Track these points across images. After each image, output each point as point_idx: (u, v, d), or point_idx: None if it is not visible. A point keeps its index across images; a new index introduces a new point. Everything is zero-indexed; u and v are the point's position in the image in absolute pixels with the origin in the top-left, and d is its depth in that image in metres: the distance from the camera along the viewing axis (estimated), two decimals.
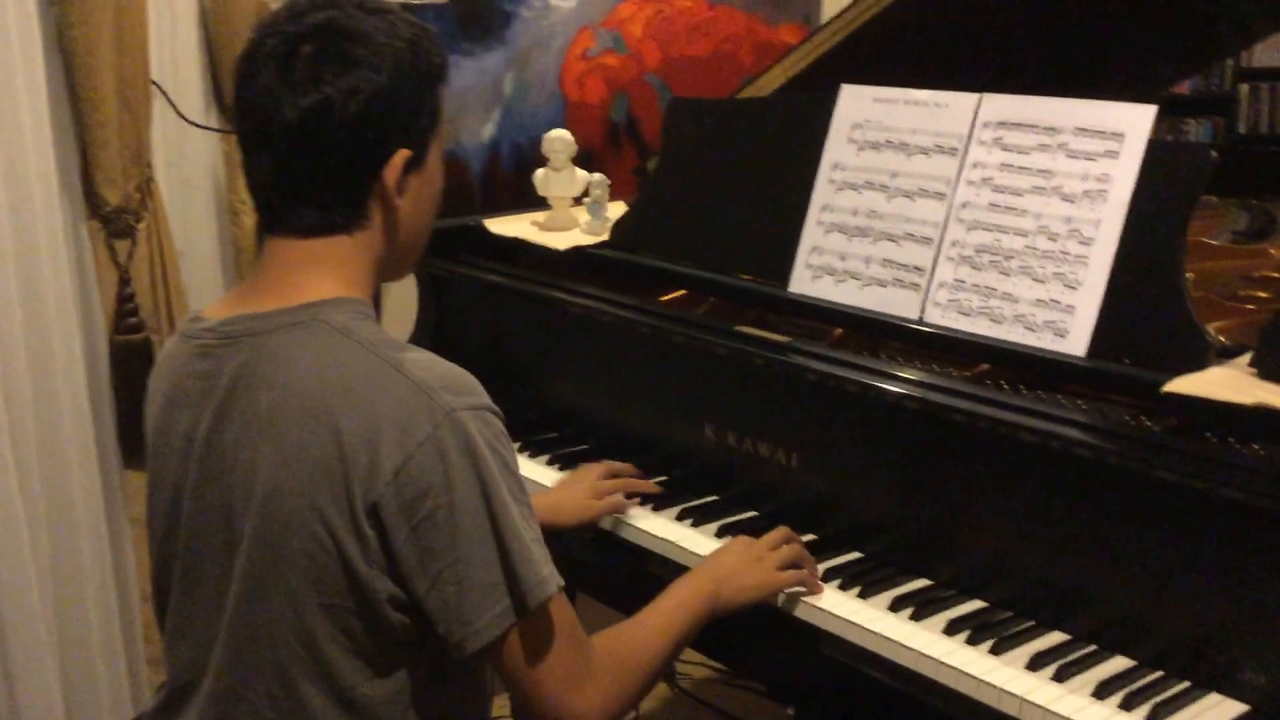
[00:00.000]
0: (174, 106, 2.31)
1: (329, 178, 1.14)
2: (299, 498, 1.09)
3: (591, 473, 1.68)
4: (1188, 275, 1.80)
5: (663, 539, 1.60)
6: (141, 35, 2.10)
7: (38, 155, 2.01)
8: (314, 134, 1.11)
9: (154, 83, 2.21)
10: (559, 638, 1.15)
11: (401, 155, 1.15)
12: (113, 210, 2.11)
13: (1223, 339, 1.51)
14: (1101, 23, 2.27)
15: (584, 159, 3.14)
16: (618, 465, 1.71)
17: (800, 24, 3.40)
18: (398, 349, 1.13)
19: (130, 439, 2.23)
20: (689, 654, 2.59)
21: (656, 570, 1.58)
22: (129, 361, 2.18)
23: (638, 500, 1.66)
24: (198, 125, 2.39)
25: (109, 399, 2.21)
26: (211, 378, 1.16)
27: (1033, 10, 2.16)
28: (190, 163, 2.44)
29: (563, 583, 1.15)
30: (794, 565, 1.45)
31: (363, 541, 1.09)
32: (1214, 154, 1.36)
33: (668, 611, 1.32)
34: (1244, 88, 4.96)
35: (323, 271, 1.16)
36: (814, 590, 1.44)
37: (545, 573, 1.13)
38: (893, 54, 2.06)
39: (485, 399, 1.13)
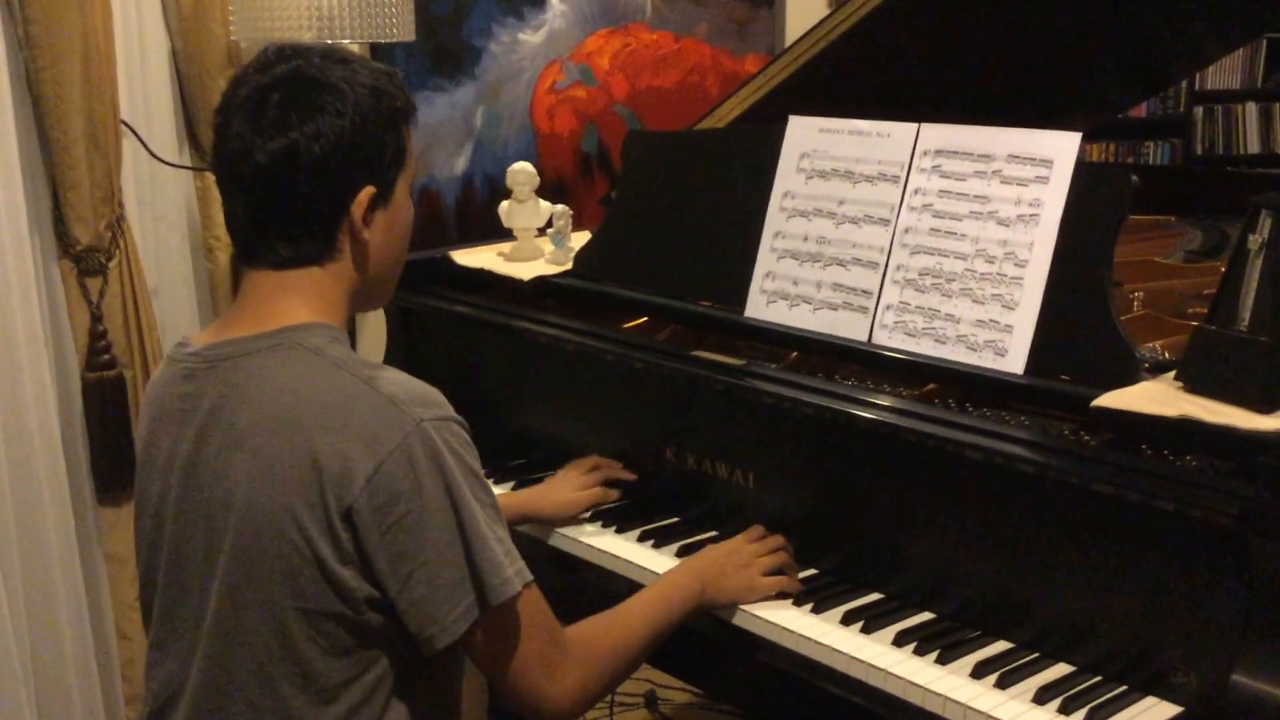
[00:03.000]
0: (145, 146, 2.36)
1: (299, 214, 1.22)
2: (275, 505, 1.16)
3: (575, 469, 1.78)
4: (1138, 293, 1.88)
5: (625, 560, 1.64)
6: (110, 77, 2.15)
7: (7, 196, 2.04)
8: (282, 175, 1.20)
9: (124, 122, 2.25)
10: (529, 630, 1.21)
11: (366, 192, 1.23)
12: (84, 249, 2.16)
13: (1168, 354, 1.57)
14: (1057, 49, 2.34)
15: (556, 189, 3.21)
16: (601, 460, 1.79)
17: (764, 55, 3.47)
18: (368, 367, 1.21)
19: (105, 475, 2.25)
20: (668, 679, 2.62)
21: (622, 592, 1.62)
22: (102, 398, 2.21)
23: (620, 492, 1.75)
24: (169, 163, 2.43)
25: (82, 436, 2.24)
26: (193, 399, 1.23)
27: (993, 38, 2.23)
28: (163, 200, 2.48)
29: (530, 579, 1.21)
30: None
31: (337, 544, 1.15)
32: (1135, 178, 1.41)
33: (651, 601, 1.39)
34: (1198, 110, 5.09)
35: (297, 300, 1.24)
36: (792, 590, 1.50)
37: (509, 573, 1.19)
38: (850, 83, 2.12)
39: (450, 411, 1.21)
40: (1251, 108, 5.16)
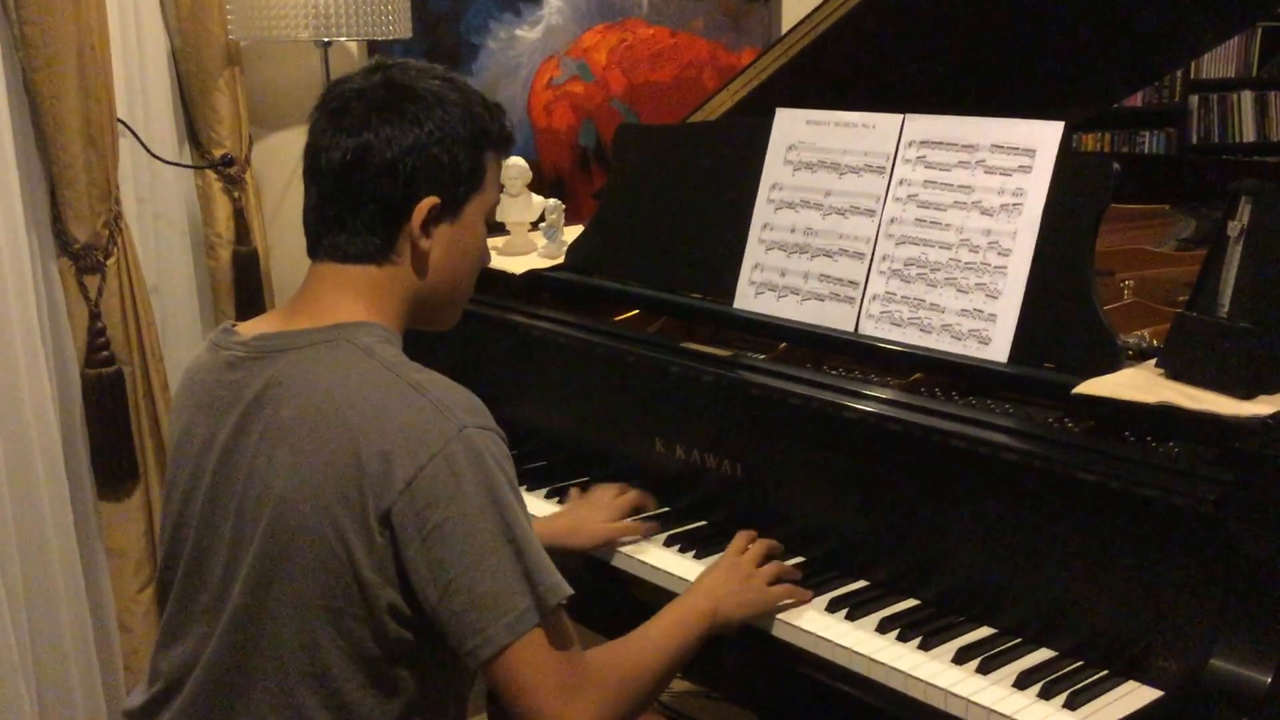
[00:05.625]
0: (143, 145, 2.38)
1: (362, 212, 1.25)
2: (313, 503, 1.16)
3: (606, 493, 1.70)
4: (1129, 281, 1.88)
5: (615, 550, 1.65)
6: (105, 77, 2.16)
7: (4, 195, 2.06)
8: (352, 172, 1.24)
9: (122, 121, 2.27)
10: (561, 648, 1.18)
11: (428, 202, 1.26)
12: (82, 247, 2.17)
13: (1156, 342, 1.57)
14: (1051, 39, 2.34)
15: (554, 184, 3.22)
16: (627, 487, 1.72)
17: (760, 49, 3.47)
18: (416, 371, 1.22)
19: (105, 470, 2.27)
20: None
21: (609, 582, 1.64)
22: (101, 394, 2.23)
23: (656, 525, 1.67)
24: (166, 161, 2.45)
25: (82, 432, 2.26)
26: (239, 388, 1.24)
27: (986, 29, 2.23)
28: (164, 198, 2.50)
29: (571, 591, 1.19)
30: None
31: (372, 548, 1.15)
32: (1116, 165, 1.42)
33: (667, 629, 1.34)
34: (1194, 99, 5.09)
35: (354, 296, 1.26)
36: (803, 600, 1.46)
37: (559, 577, 1.18)
38: (842, 74, 2.13)
39: (493, 422, 1.21)
40: (1247, 96, 5.16)
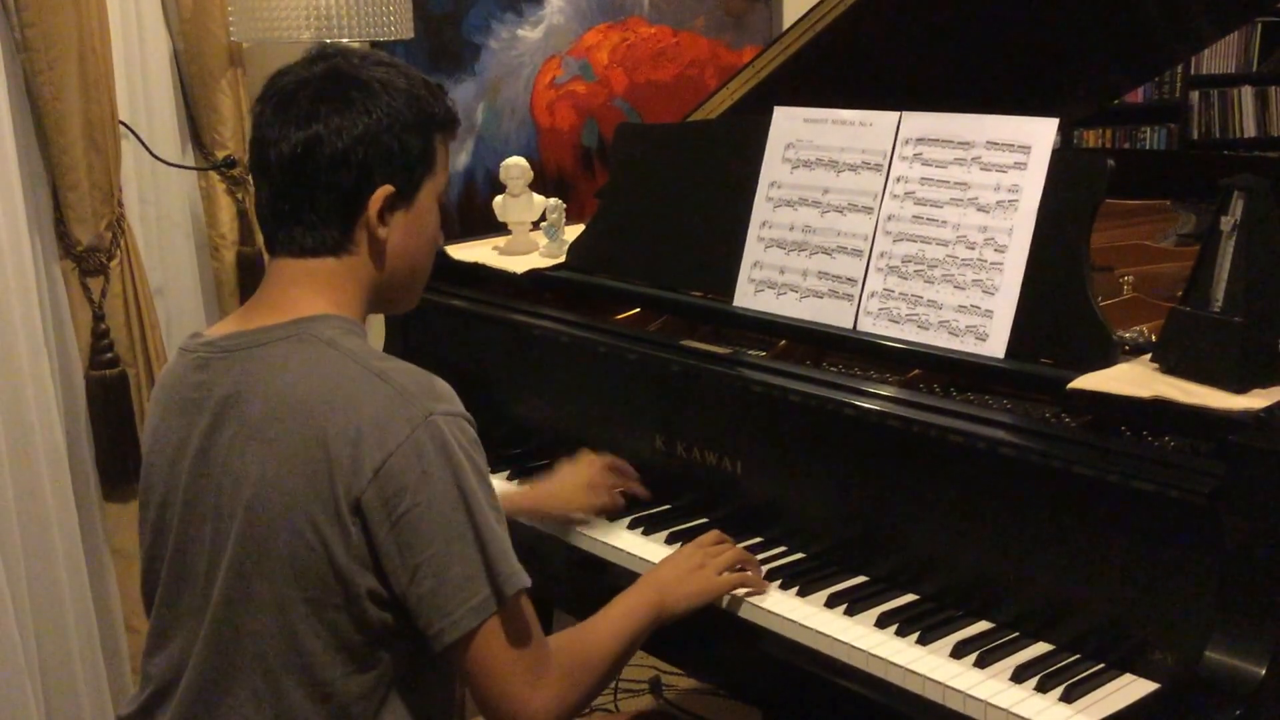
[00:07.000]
0: (145, 146, 2.39)
1: (317, 204, 1.25)
2: (286, 495, 1.18)
3: (592, 465, 1.73)
4: (1128, 277, 1.89)
5: (615, 547, 1.66)
6: (107, 79, 2.17)
7: (6, 198, 2.07)
8: (304, 165, 1.23)
9: (123, 123, 2.28)
10: (525, 634, 1.21)
11: (383, 190, 1.25)
12: (85, 249, 2.19)
13: (1154, 337, 1.58)
14: (1052, 35, 2.34)
15: (557, 184, 3.23)
16: (620, 462, 1.75)
17: (761, 47, 3.48)
18: (380, 360, 1.23)
19: (110, 471, 2.29)
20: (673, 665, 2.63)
21: (611, 579, 1.65)
22: (105, 395, 2.24)
23: (625, 502, 1.72)
24: (168, 163, 2.46)
25: (86, 433, 2.27)
26: (207, 388, 1.25)
27: (986, 25, 2.23)
28: (167, 200, 2.51)
29: (529, 582, 1.21)
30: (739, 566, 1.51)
31: (345, 535, 1.17)
32: (1111, 161, 1.42)
33: (617, 619, 1.38)
34: (1194, 94, 5.10)
35: (314, 289, 1.26)
36: (758, 589, 1.50)
37: (518, 566, 1.21)
38: (842, 72, 2.13)
39: (460, 407, 1.22)
40: (1247, 91, 5.17)
